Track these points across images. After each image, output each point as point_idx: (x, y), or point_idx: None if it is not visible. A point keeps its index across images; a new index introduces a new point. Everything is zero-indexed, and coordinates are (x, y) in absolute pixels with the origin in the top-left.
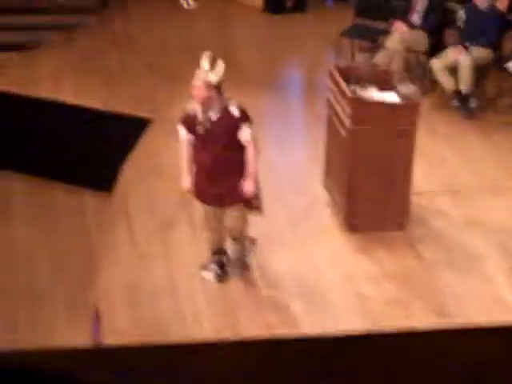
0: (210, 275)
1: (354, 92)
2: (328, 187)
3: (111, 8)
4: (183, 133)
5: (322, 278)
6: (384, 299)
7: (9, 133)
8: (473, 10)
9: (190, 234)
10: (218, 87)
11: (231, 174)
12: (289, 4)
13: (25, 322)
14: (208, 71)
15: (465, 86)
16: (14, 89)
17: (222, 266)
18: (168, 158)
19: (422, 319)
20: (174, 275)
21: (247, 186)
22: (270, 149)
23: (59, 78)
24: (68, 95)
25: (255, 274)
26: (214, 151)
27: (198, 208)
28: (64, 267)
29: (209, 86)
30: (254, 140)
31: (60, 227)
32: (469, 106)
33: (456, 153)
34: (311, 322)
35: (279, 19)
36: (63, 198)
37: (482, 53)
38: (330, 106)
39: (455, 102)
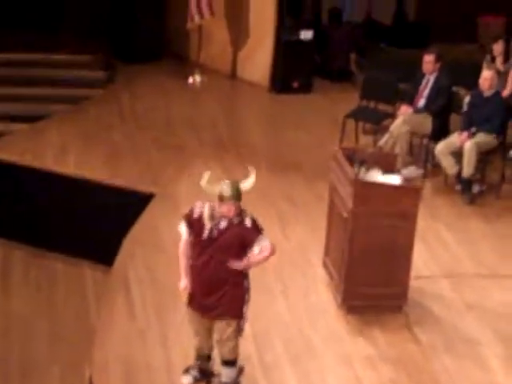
0: (188, 380)
1: (357, 174)
2: (327, 267)
3: (118, 82)
4: (185, 232)
5: (318, 359)
6: (379, 381)
7: (12, 202)
8: (478, 96)
9: None
10: (239, 202)
11: (225, 285)
12: (295, 85)
13: None
14: (238, 186)
15: (468, 171)
16: (21, 160)
17: (203, 372)
18: (169, 234)
19: None
20: (170, 353)
21: (237, 263)
22: (273, 227)
23: (65, 150)
24: (73, 167)
25: (250, 351)
26: (212, 259)
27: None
28: (61, 340)
29: (233, 204)
30: (270, 247)
31: (58, 299)
32: (471, 191)
33: (456, 237)
34: None
35: (285, 99)
36: (63, 270)
37: (486, 139)
38: (333, 187)
39: (458, 187)
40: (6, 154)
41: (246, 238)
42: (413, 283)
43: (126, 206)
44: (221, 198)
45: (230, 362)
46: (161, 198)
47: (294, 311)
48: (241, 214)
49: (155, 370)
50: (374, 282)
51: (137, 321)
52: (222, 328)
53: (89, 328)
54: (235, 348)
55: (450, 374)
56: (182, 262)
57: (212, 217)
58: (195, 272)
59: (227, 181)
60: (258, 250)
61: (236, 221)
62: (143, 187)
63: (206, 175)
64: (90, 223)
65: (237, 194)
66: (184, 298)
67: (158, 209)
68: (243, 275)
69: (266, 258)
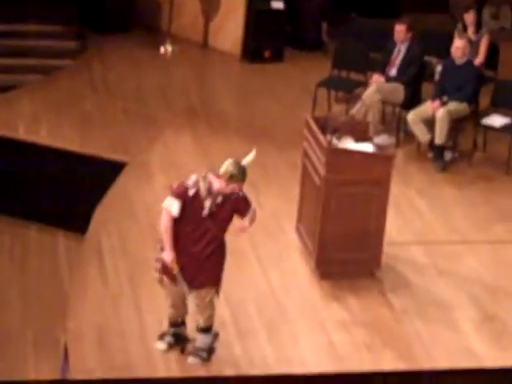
0: (163, 345)
1: (329, 142)
2: (301, 234)
3: (90, 52)
4: (175, 209)
5: (291, 324)
6: (353, 345)
7: None
8: (450, 65)
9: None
10: (237, 182)
11: (209, 255)
12: (266, 54)
13: None
14: (228, 166)
15: (440, 139)
16: None
17: (177, 337)
18: (141, 202)
19: (389, 365)
20: (143, 319)
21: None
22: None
23: (37, 120)
24: (45, 137)
25: (225, 317)
26: (209, 232)
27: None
28: (34, 306)
29: (229, 181)
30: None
31: (31, 266)
32: (443, 158)
33: (429, 204)
34: (280, 366)
35: (257, 68)
36: (36, 238)
37: (458, 107)
38: (306, 155)
39: (430, 155)
40: None
41: (240, 209)
42: (386, 249)
43: (99, 175)
44: (230, 178)
45: (205, 329)
46: (132, 166)
47: (268, 277)
48: (232, 190)
49: (129, 336)
50: (347, 248)
51: (110, 288)
52: (202, 296)
53: (62, 295)
54: (211, 316)
55: (423, 338)
56: (167, 236)
57: (209, 193)
58: (183, 245)
59: (234, 161)
60: (249, 218)
61: (223, 196)
62: (115, 156)
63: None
64: (63, 192)
65: (244, 176)
66: (163, 267)
67: (129, 177)
68: (224, 244)
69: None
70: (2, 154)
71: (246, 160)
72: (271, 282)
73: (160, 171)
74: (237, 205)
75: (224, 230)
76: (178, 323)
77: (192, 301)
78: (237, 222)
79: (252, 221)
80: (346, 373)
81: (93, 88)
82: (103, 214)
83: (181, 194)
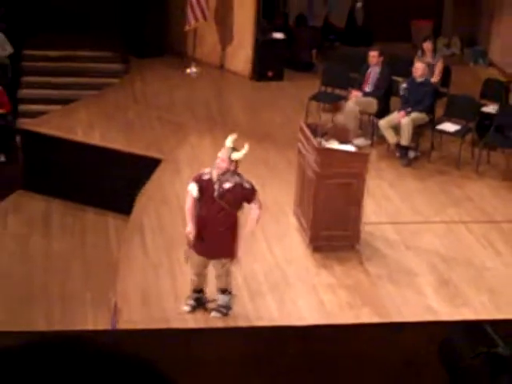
0: (187, 308)
1: (319, 143)
2: (297, 216)
3: (133, 73)
4: (194, 191)
5: (291, 288)
6: (338, 304)
7: (51, 167)
8: (412, 83)
9: None
10: (236, 163)
11: (225, 230)
12: (270, 74)
13: (59, 317)
14: (232, 149)
15: (405, 141)
16: (57, 133)
17: (199, 302)
18: (173, 190)
19: (367, 320)
20: (176, 283)
21: (252, 226)
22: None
23: (91, 126)
24: (97, 139)
25: (239, 282)
26: (219, 210)
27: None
28: (91, 274)
29: (230, 161)
30: (260, 203)
31: (88, 242)
32: (408, 156)
33: (397, 193)
34: (281, 319)
35: (263, 85)
36: (92, 219)
37: (419, 116)
38: (300, 154)
39: (397, 153)
40: (46, 129)
41: (247, 196)
42: (363, 228)
43: (140, 169)
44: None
45: (224, 290)
46: (165, 163)
47: (272, 251)
48: (239, 175)
49: (165, 296)
50: (333, 227)
51: (150, 258)
52: (219, 266)
53: (113, 265)
54: (229, 280)
55: (393, 299)
56: (189, 214)
57: (219, 178)
58: (203, 222)
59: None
60: (254, 212)
61: (237, 180)
62: (152, 154)
63: (232, 137)
64: (112, 182)
65: (229, 154)
66: (188, 239)
67: (163, 171)
68: (238, 224)
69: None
70: (65, 153)
71: (238, 153)
72: (275, 255)
73: (187, 166)
74: (244, 193)
75: (235, 209)
76: (198, 290)
77: (213, 268)
78: (248, 216)
79: (257, 218)
80: (334, 325)
81: (134, 100)
82: (144, 200)
83: (197, 179)
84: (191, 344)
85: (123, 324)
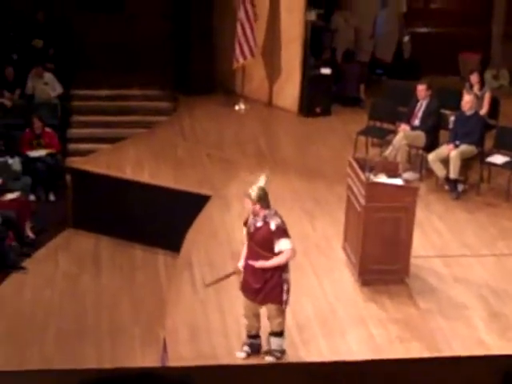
0: (241, 355)
1: (368, 178)
2: (346, 250)
3: (181, 110)
4: (244, 230)
5: (340, 321)
6: (388, 338)
7: (100, 205)
8: (461, 116)
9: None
10: (260, 202)
11: (265, 275)
12: (317, 110)
13: (109, 352)
14: (251, 190)
15: (453, 174)
16: (106, 171)
17: (253, 348)
18: (222, 226)
19: (418, 354)
20: (225, 319)
21: (258, 264)
22: (302, 220)
23: (140, 163)
24: (147, 176)
25: (288, 317)
26: (253, 250)
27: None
28: (140, 309)
29: (252, 202)
30: (289, 252)
31: (138, 278)
32: (457, 189)
33: (446, 226)
34: (332, 355)
35: (311, 121)
36: (141, 256)
37: (467, 149)
38: (349, 188)
39: (446, 187)
40: (95, 167)
41: (269, 238)
42: (413, 261)
43: (189, 206)
44: (259, 201)
45: (277, 333)
46: (215, 198)
47: (321, 286)
48: (266, 216)
49: (214, 333)
50: (382, 261)
51: (199, 294)
52: (270, 309)
53: (162, 300)
54: (281, 323)
55: (444, 332)
56: (243, 250)
57: (252, 218)
58: (246, 264)
59: (258, 186)
60: (277, 250)
61: (262, 222)
62: (202, 190)
63: (263, 177)
64: (161, 219)
65: (255, 196)
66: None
67: (213, 207)
68: (280, 268)
69: (283, 261)
70: (114, 191)
71: (262, 182)
72: (324, 289)
73: (237, 202)
74: (267, 234)
75: (270, 252)
76: (252, 335)
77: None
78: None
79: (281, 257)
80: (391, 359)
81: (183, 138)
82: (193, 236)
83: (244, 222)
84: (250, 380)
85: (173, 360)
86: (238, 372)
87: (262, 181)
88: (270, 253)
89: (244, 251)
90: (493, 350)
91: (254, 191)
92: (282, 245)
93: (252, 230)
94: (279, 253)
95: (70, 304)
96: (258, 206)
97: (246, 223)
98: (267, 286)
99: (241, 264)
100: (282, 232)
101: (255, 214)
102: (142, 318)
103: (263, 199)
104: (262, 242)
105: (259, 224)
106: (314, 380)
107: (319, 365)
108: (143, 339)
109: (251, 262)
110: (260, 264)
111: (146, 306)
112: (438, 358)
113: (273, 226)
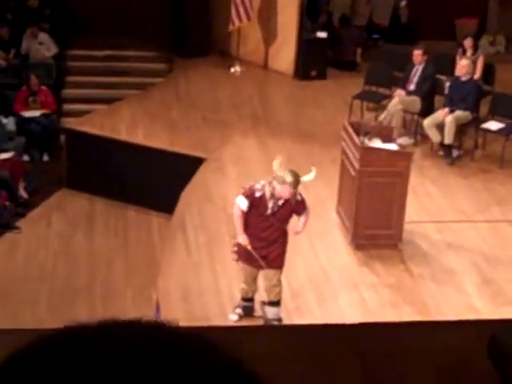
0: (234, 317)
1: (362, 142)
2: (340, 214)
3: (176, 72)
4: (244, 205)
5: (333, 286)
6: (380, 302)
7: (95, 165)
8: (456, 81)
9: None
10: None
11: (275, 243)
12: (313, 73)
13: (101, 313)
14: (294, 182)
15: (448, 140)
16: (101, 132)
17: (246, 311)
18: (216, 189)
19: (409, 319)
20: (218, 281)
21: (300, 231)
22: None
23: (135, 125)
24: (141, 138)
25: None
26: (272, 226)
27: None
28: (133, 270)
29: (293, 191)
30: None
31: (131, 239)
32: (451, 155)
33: (440, 191)
34: (322, 317)
35: (306, 84)
36: (134, 217)
37: (462, 114)
38: (344, 152)
39: (441, 152)
40: (90, 128)
41: (297, 210)
42: (406, 227)
43: (183, 168)
44: (283, 182)
45: (275, 303)
46: (209, 161)
47: (314, 248)
48: (294, 195)
49: (206, 294)
50: (375, 226)
51: (192, 256)
52: (270, 277)
53: (155, 262)
54: (280, 292)
55: (435, 298)
56: (238, 224)
57: (272, 196)
58: (255, 235)
59: (291, 170)
60: (304, 218)
61: (292, 201)
62: (196, 153)
63: (278, 161)
64: (155, 181)
65: (295, 183)
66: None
67: (207, 170)
68: (287, 234)
69: (309, 219)
70: (109, 152)
71: (305, 177)
72: (316, 252)
73: (231, 165)
74: (296, 207)
75: (285, 224)
76: (248, 298)
77: (262, 280)
78: (293, 225)
79: (306, 222)
80: (381, 322)
81: (178, 100)
82: (187, 198)
83: (249, 195)
84: (244, 341)
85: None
86: (230, 334)
87: (309, 176)
88: (285, 224)
89: (240, 224)
90: (483, 316)
91: (291, 177)
92: (307, 212)
93: (276, 209)
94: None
95: (63, 264)
96: (292, 192)
97: (252, 199)
98: (275, 253)
99: (243, 238)
100: (305, 202)
101: (284, 197)
102: (134, 279)
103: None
104: (287, 215)
105: (281, 203)
106: (304, 342)
107: (309, 327)
108: (136, 300)
109: (275, 234)
110: (302, 230)
111: (138, 267)
112: (428, 321)
113: (299, 197)
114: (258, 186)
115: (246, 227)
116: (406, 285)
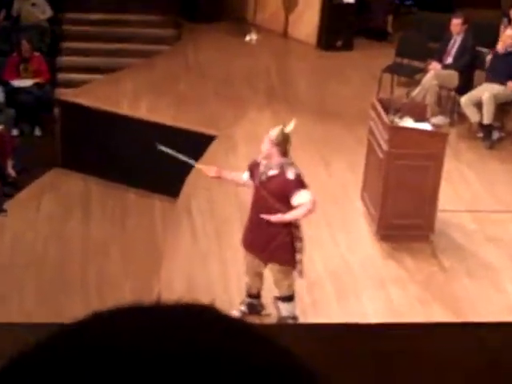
0: (236, 313)
1: (392, 121)
2: (365, 201)
3: (185, 39)
4: (246, 176)
5: (355, 280)
6: (408, 301)
7: (92, 142)
8: (499, 54)
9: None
10: (279, 146)
11: (272, 228)
12: (338, 43)
13: (96, 307)
14: (274, 129)
15: (487, 120)
16: (100, 105)
17: (251, 308)
18: (227, 169)
19: (439, 318)
20: (226, 271)
21: (274, 218)
22: (317, 166)
23: (137, 98)
24: (144, 112)
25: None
26: (263, 201)
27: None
28: (132, 260)
29: (271, 142)
30: (310, 204)
31: (130, 225)
32: (491, 137)
33: (478, 177)
34: (343, 316)
35: (330, 55)
36: (134, 201)
37: (504, 91)
38: (371, 132)
39: (480, 134)
40: (87, 100)
41: (286, 189)
42: (439, 216)
43: (191, 147)
44: (275, 142)
45: (286, 298)
46: (220, 139)
47: (335, 238)
48: (284, 164)
49: (214, 287)
50: (404, 214)
51: (198, 244)
52: (274, 272)
53: (157, 251)
54: (291, 286)
55: (470, 296)
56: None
57: (265, 165)
58: (251, 213)
59: (281, 128)
60: (295, 203)
61: (278, 170)
62: (205, 130)
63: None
64: (159, 160)
65: (280, 137)
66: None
67: (217, 149)
68: (292, 224)
69: (304, 215)
70: (109, 127)
71: (289, 128)
72: (337, 243)
73: (244, 144)
74: (283, 183)
75: (283, 205)
76: (252, 294)
77: (271, 274)
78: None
79: (301, 210)
80: (407, 323)
81: (186, 70)
82: (194, 181)
83: (249, 165)
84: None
85: None
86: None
87: (290, 126)
88: (284, 206)
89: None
90: None
91: (274, 131)
92: (302, 196)
93: (264, 178)
94: (296, 206)
95: (54, 252)
96: (275, 150)
97: (252, 168)
98: (273, 243)
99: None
100: (302, 182)
101: (269, 158)
102: (134, 269)
103: (282, 144)
104: (276, 192)
105: (272, 172)
106: (320, 343)
107: (325, 326)
108: (135, 293)
109: (262, 216)
110: (277, 218)
111: (138, 256)
112: (461, 323)
113: (291, 175)
114: (259, 156)
115: (250, 207)
116: (437, 281)
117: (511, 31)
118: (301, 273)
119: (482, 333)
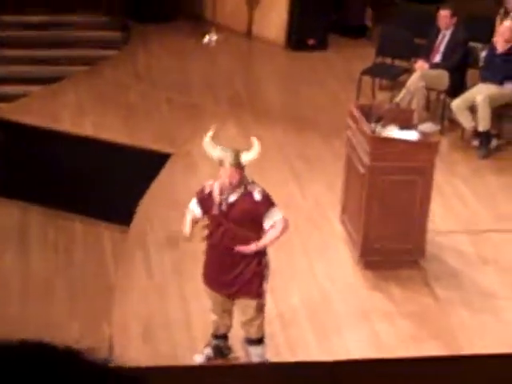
0: (199, 358)
1: (373, 130)
2: (345, 223)
3: (134, 43)
4: (193, 204)
5: (336, 314)
6: (398, 337)
7: (27, 165)
8: (494, 50)
9: None
10: (242, 169)
11: (241, 262)
12: (310, 42)
13: None
14: (234, 153)
15: (483, 126)
16: (38, 122)
17: (218, 352)
18: (186, 193)
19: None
20: (189, 309)
21: (250, 247)
22: (289, 185)
23: (82, 112)
24: (90, 129)
25: (269, 305)
26: (226, 233)
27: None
28: (80, 298)
29: (241, 170)
30: (283, 222)
31: (77, 259)
32: (488, 145)
33: (474, 192)
34: (322, 355)
35: (301, 56)
36: (81, 231)
37: (501, 91)
38: (350, 144)
39: (475, 142)
40: (23, 117)
41: (256, 213)
42: (430, 238)
43: (143, 167)
44: (221, 163)
45: (257, 341)
46: (177, 157)
47: (312, 267)
48: (246, 185)
49: (174, 327)
50: (391, 238)
51: (155, 279)
52: (244, 309)
53: (107, 287)
54: (261, 326)
55: (468, 328)
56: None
57: (222, 191)
58: (212, 249)
59: (229, 147)
60: (268, 225)
61: (243, 192)
62: (160, 147)
63: (209, 135)
64: (107, 184)
65: (237, 161)
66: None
67: (174, 169)
68: (261, 252)
69: (279, 237)
70: (48, 146)
71: (248, 154)
72: (315, 272)
73: (204, 161)
74: (252, 207)
75: (252, 232)
76: (219, 335)
77: (236, 314)
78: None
79: (276, 231)
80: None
81: (137, 78)
82: (148, 206)
83: (198, 193)
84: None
85: (122, 363)
86: (202, 373)
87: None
88: (255, 232)
89: (188, 218)
90: None
91: (233, 154)
92: (274, 215)
93: (224, 208)
94: (268, 229)
95: None
96: (240, 174)
97: (202, 200)
98: (245, 276)
99: (188, 230)
100: (270, 200)
101: (231, 185)
102: (81, 308)
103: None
104: (243, 219)
105: (233, 198)
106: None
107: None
108: (83, 337)
109: (236, 248)
110: (252, 247)
111: (86, 294)
112: (457, 356)
113: (257, 196)
114: (209, 183)
115: (209, 245)
116: (430, 313)
117: (509, 23)
118: (263, 306)
119: (480, 366)
